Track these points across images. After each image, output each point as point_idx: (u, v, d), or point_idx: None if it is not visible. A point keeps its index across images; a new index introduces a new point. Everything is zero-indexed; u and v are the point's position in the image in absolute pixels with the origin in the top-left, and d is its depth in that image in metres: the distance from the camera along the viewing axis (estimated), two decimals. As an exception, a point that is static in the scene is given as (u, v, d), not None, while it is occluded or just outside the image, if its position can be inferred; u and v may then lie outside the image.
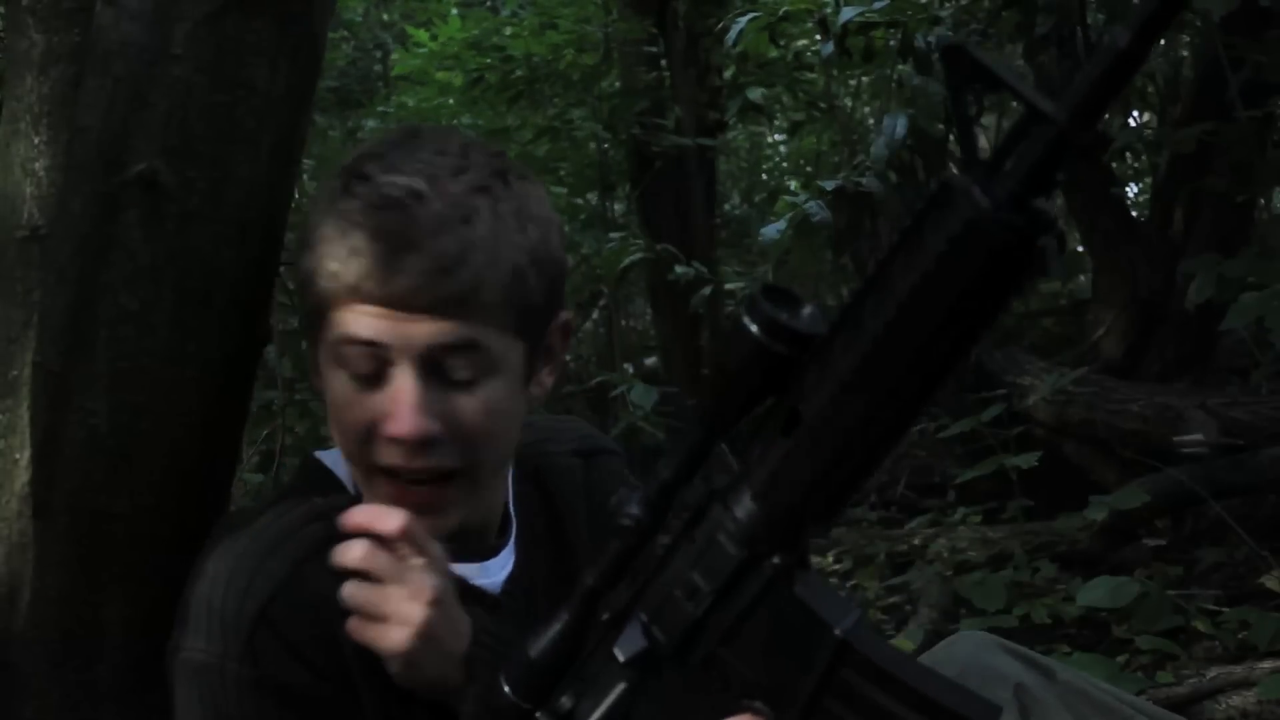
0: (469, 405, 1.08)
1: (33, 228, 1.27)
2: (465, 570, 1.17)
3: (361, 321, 1.06)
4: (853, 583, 3.37)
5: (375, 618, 1.07)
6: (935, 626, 2.92)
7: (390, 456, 1.09)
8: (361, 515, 1.08)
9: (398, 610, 1.06)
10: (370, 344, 1.07)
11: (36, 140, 1.28)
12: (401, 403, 1.06)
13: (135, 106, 1.17)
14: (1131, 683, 2.41)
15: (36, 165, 1.28)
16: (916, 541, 3.45)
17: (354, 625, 1.07)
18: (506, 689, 0.97)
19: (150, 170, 1.16)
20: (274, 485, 3.04)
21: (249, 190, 1.20)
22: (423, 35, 4.98)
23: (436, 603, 1.06)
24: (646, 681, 0.92)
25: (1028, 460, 3.32)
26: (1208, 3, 2.81)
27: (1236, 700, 2.29)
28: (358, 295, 1.06)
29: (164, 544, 1.21)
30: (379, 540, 1.07)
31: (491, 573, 1.20)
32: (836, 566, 3.48)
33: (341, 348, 1.08)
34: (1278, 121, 3.45)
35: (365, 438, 1.09)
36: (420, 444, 1.07)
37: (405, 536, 1.06)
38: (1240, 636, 2.63)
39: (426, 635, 1.06)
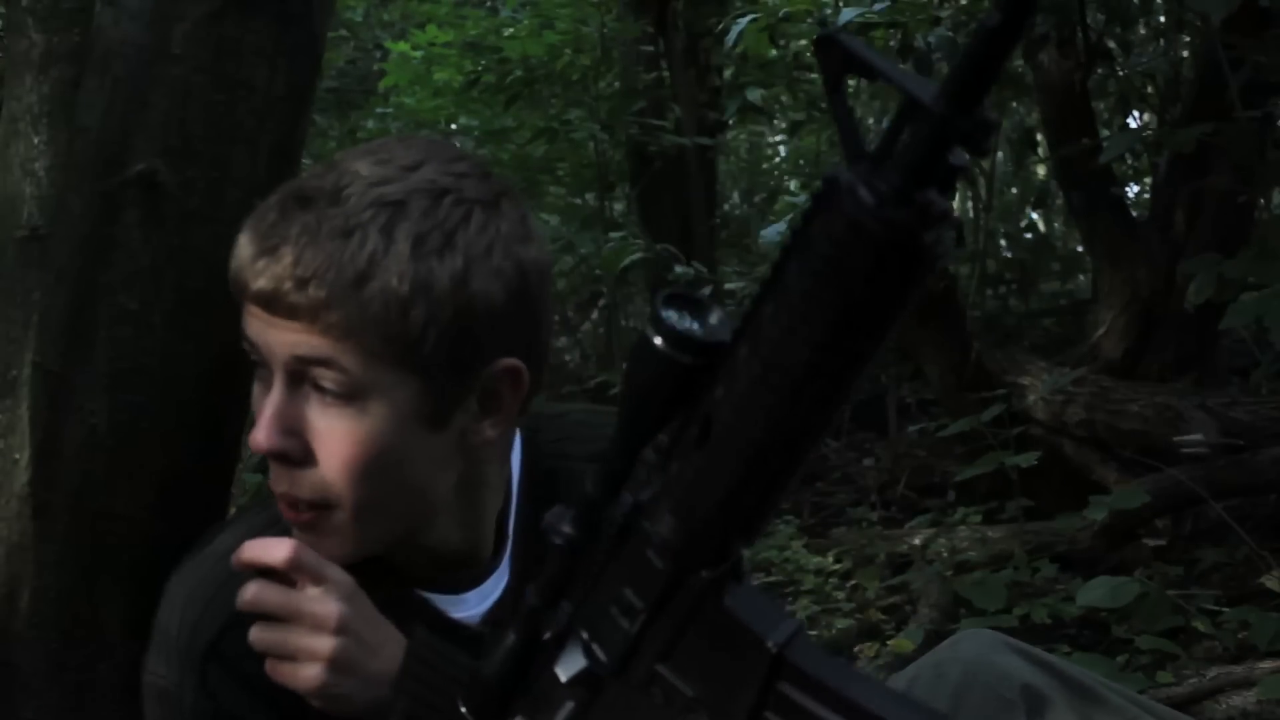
0: (334, 427, 1.02)
1: (33, 228, 1.27)
2: (442, 602, 1.15)
3: (246, 318, 1.04)
4: (853, 583, 3.37)
5: (284, 657, 1.05)
6: (935, 626, 2.92)
7: (270, 474, 1.07)
8: (249, 551, 1.05)
9: (302, 645, 1.04)
10: (250, 342, 1.04)
11: (36, 140, 1.28)
12: (262, 415, 1.03)
13: (135, 106, 1.17)
14: (1131, 683, 2.41)
15: (36, 165, 1.28)
16: (916, 541, 3.45)
17: (269, 667, 1.05)
18: (463, 709, 0.95)
19: (150, 170, 1.16)
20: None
21: (249, 190, 1.20)
22: (403, 46, 4.98)
23: (341, 630, 1.03)
24: (592, 700, 0.90)
25: (1028, 460, 3.32)
26: (1207, 6, 2.81)
27: (1236, 700, 2.29)
28: (240, 290, 1.04)
29: (164, 544, 1.21)
30: (276, 575, 1.04)
31: (471, 604, 1.16)
32: (836, 566, 3.47)
33: (242, 344, 1.06)
34: (1278, 121, 3.45)
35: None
36: (278, 461, 1.04)
37: (294, 567, 1.03)
38: (1240, 636, 2.63)
39: (338, 665, 1.03)
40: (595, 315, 5.90)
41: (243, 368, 1.26)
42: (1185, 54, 4.22)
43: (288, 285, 0.99)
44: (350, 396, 1.01)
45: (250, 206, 1.20)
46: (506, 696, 0.94)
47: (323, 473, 1.03)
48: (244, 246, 1.03)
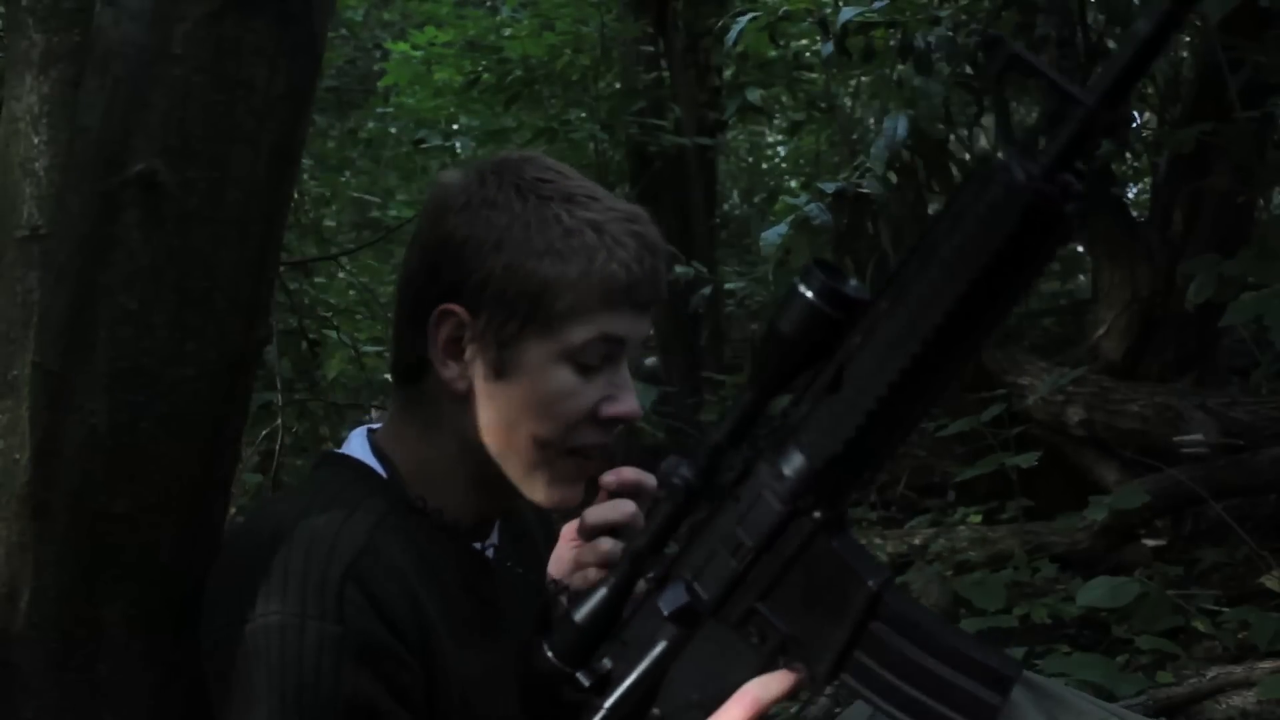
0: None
1: (32, 227, 1.26)
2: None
3: (621, 321, 1.15)
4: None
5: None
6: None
7: (594, 436, 1.17)
8: (630, 473, 1.21)
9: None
10: (622, 341, 1.16)
11: (36, 140, 1.28)
12: (627, 388, 1.17)
13: (135, 106, 1.16)
14: (1131, 683, 2.41)
15: (36, 165, 1.28)
16: (916, 541, 3.45)
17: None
18: (549, 654, 1.00)
19: (150, 170, 1.16)
20: (273, 485, 3.04)
21: (248, 190, 1.20)
22: (403, 46, 4.99)
23: None
24: (686, 638, 0.95)
25: (1028, 460, 3.32)
26: (1207, 4, 2.81)
27: (1236, 700, 2.29)
28: (628, 295, 1.15)
29: (164, 544, 1.21)
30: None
31: (489, 544, 1.28)
32: (836, 566, 3.47)
33: (592, 345, 1.15)
34: (1278, 121, 3.45)
35: (577, 423, 1.16)
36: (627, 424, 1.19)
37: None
38: (1240, 636, 2.63)
39: None
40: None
41: (243, 368, 1.27)
42: (1185, 54, 4.22)
43: (664, 279, 1.19)
44: None
45: (250, 206, 1.21)
46: (595, 640, 0.99)
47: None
48: (640, 259, 1.16)
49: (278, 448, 3.05)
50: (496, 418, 1.17)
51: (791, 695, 0.93)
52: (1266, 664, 2.36)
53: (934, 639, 0.88)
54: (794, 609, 0.91)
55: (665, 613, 0.95)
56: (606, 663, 0.98)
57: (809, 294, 0.87)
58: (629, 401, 1.16)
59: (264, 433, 3.27)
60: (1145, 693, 2.36)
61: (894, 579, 0.90)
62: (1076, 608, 2.85)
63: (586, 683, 0.99)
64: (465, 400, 1.17)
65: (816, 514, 0.90)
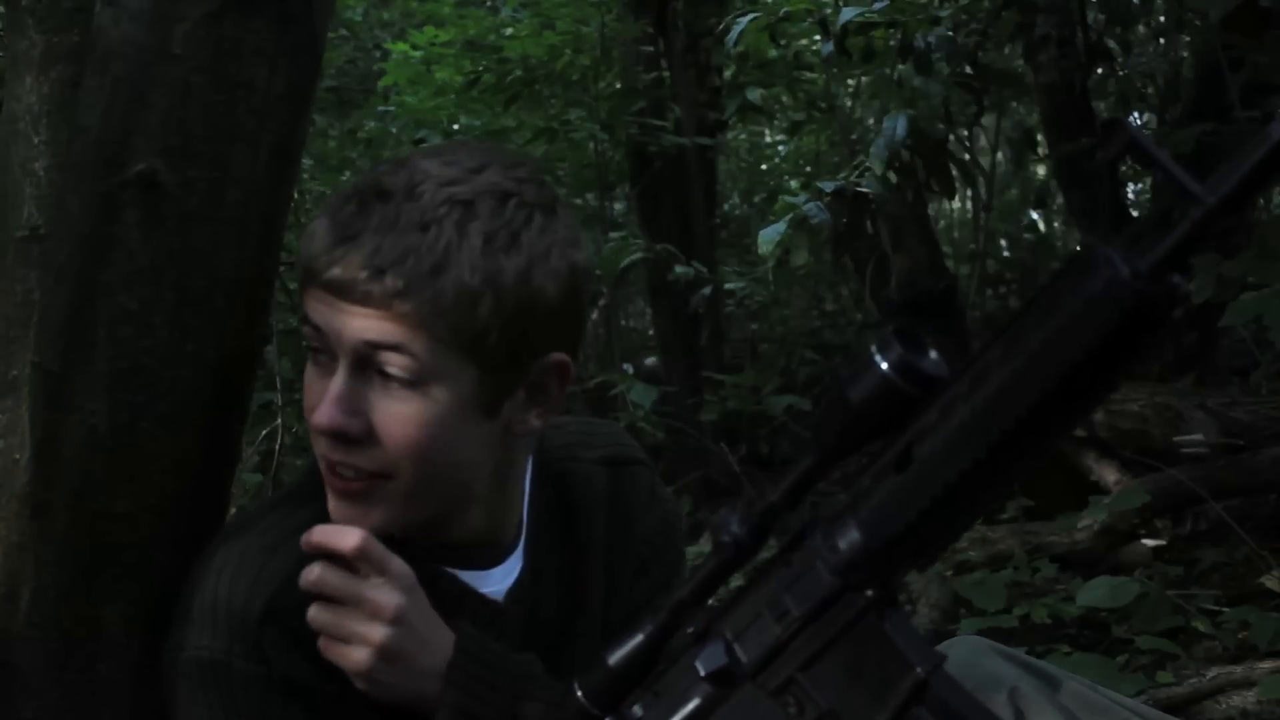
0: (398, 410, 1.07)
1: (32, 228, 1.26)
2: (469, 578, 1.19)
3: (311, 304, 1.09)
4: (853, 583, 3.36)
5: (338, 638, 1.09)
6: (935, 626, 2.92)
7: (320, 446, 1.11)
8: (319, 535, 1.09)
9: (356, 630, 1.08)
10: (315, 327, 1.08)
11: (36, 140, 1.28)
12: (327, 395, 1.07)
13: (135, 106, 1.17)
14: (1131, 683, 2.41)
15: (36, 165, 1.28)
16: (916, 541, 3.44)
17: (322, 645, 1.09)
18: (580, 694, 0.97)
19: (150, 170, 1.16)
20: (273, 485, 3.04)
21: (249, 190, 1.20)
22: (403, 46, 4.99)
23: (396, 621, 1.08)
24: (721, 699, 0.93)
25: (1028, 460, 3.31)
26: (1207, 4, 2.81)
27: (1236, 700, 2.29)
28: (311, 278, 1.08)
29: (164, 544, 1.21)
30: (341, 560, 1.08)
31: (494, 581, 1.21)
32: (836, 566, 3.47)
33: (303, 327, 1.11)
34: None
35: (313, 427, 1.11)
36: (337, 438, 1.08)
37: (361, 555, 1.08)
38: (1240, 636, 2.63)
39: (387, 654, 1.08)
40: (595, 315, 5.90)
41: (243, 368, 1.27)
42: (1185, 54, 4.22)
43: (365, 273, 1.04)
44: (415, 382, 1.07)
45: (250, 206, 1.21)
46: (628, 686, 0.96)
47: (384, 451, 1.08)
48: (320, 235, 1.07)
49: (278, 448, 3.05)
50: None
51: None
52: (1266, 664, 2.35)
53: None
54: (836, 685, 0.88)
55: (702, 672, 0.92)
56: (638, 710, 0.96)
57: (884, 366, 0.82)
58: (321, 411, 1.07)
59: (264, 433, 3.27)
60: (1145, 693, 2.36)
61: (943, 665, 0.87)
62: (1076, 608, 2.84)
63: None
64: None
65: (869, 592, 0.86)
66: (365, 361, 1.07)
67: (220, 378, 1.22)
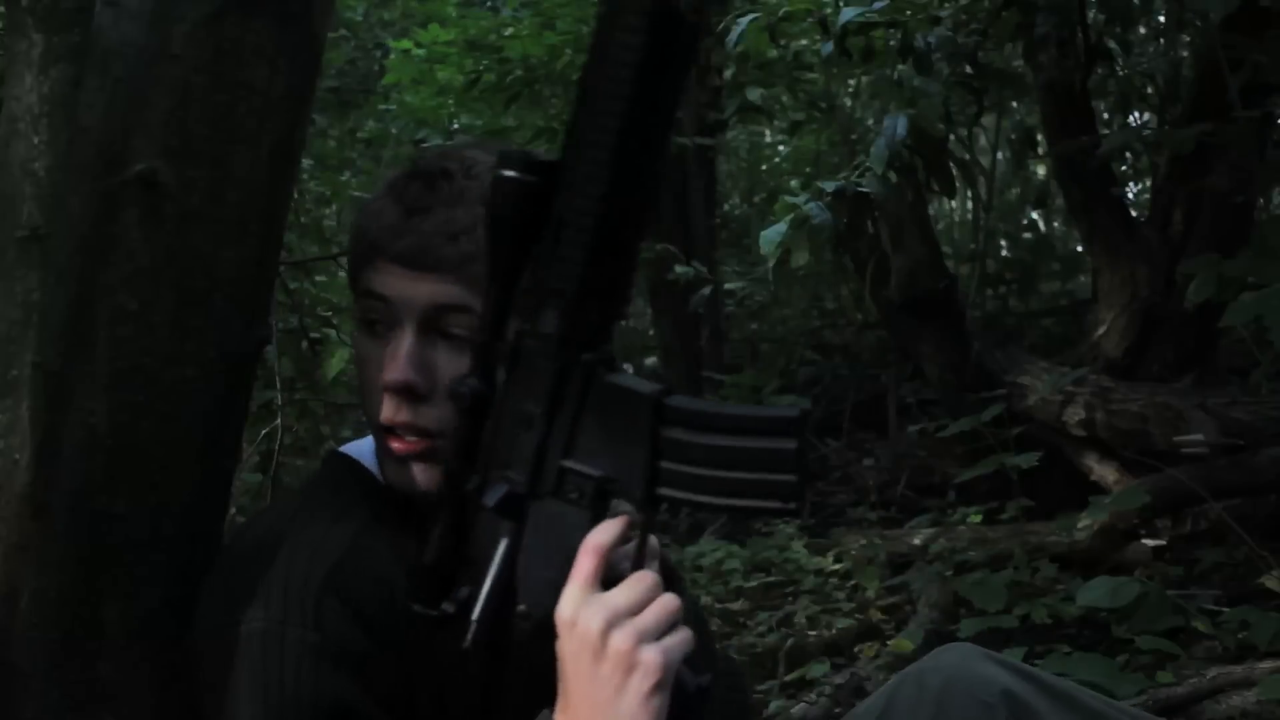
0: (463, 366, 1.12)
1: (32, 228, 1.26)
2: None
3: (377, 278, 1.15)
4: (853, 583, 3.37)
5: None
6: (935, 626, 2.92)
7: (386, 410, 1.15)
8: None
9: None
10: (382, 298, 1.15)
11: (36, 140, 1.28)
12: (397, 354, 1.14)
13: (135, 106, 1.17)
14: (1131, 683, 2.41)
15: (36, 165, 1.28)
16: (916, 541, 3.45)
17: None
18: (415, 607, 1.02)
19: (150, 170, 1.16)
20: (273, 485, 3.04)
21: (249, 190, 1.20)
22: (406, 44, 4.99)
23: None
24: (519, 527, 0.98)
25: (1028, 460, 3.32)
26: (1207, 4, 2.81)
27: (1236, 700, 2.29)
28: (377, 251, 1.15)
29: (164, 544, 1.21)
30: None
31: None
32: (836, 567, 3.47)
33: (362, 302, 1.17)
34: (1278, 121, 3.45)
35: (370, 392, 1.17)
36: (407, 394, 1.14)
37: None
38: (1240, 636, 2.63)
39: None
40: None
41: (243, 368, 1.27)
42: (1185, 54, 4.22)
43: (440, 240, 1.13)
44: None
45: (250, 206, 1.21)
46: (449, 574, 1.01)
47: (448, 408, 1.11)
48: (388, 210, 1.16)
49: (277, 447, 3.04)
50: None
51: (629, 531, 0.96)
52: (1266, 664, 2.35)
53: (719, 418, 0.92)
54: (597, 451, 0.95)
55: (490, 505, 0.97)
56: (464, 590, 1.00)
57: (510, 173, 0.94)
58: (393, 369, 1.14)
59: (264, 432, 3.27)
60: (1145, 693, 2.36)
61: (672, 389, 0.95)
62: (1076, 608, 2.84)
63: (453, 610, 1.00)
64: None
65: (585, 357, 0.94)
66: (431, 324, 1.14)
67: (220, 377, 1.22)
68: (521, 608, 0.98)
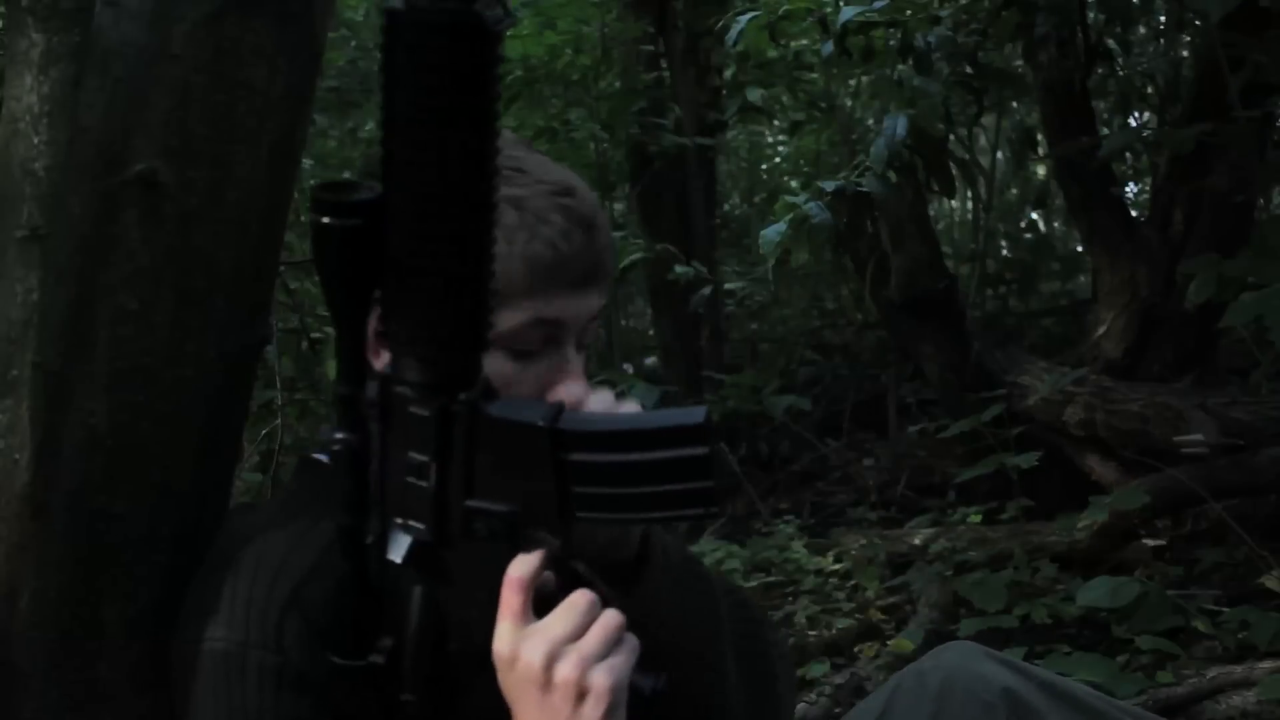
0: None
1: (32, 228, 1.26)
2: None
3: (551, 303, 1.10)
4: (853, 583, 3.37)
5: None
6: (935, 626, 2.92)
7: None
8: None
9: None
10: (555, 323, 1.10)
11: (36, 140, 1.28)
12: (573, 374, 1.11)
13: (135, 106, 1.17)
14: (1131, 683, 2.41)
15: (36, 165, 1.28)
16: (916, 541, 3.45)
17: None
18: (337, 660, 1.00)
19: (150, 170, 1.16)
20: (273, 485, 3.04)
21: (249, 190, 1.20)
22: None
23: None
24: (434, 574, 0.96)
25: (1028, 460, 3.32)
26: (1207, 4, 2.81)
27: (1236, 700, 2.29)
28: (561, 274, 1.10)
29: (164, 544, 1.21)
30: None
31: None
32: (836, 567, 3.47)
33: (524, 330, 1.10)
34: (1278, 121, 3.45)
35: None
36: None
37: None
38: (1240, 636, 2.63)
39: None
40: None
41: (243, 368, 1.27)
42: (1185, 54, 4.22)
43: (604, 255, 1.13)
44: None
45: (250, 206, 1.20)
46: (370, 626, 0.98)
47: None
48: (568, 235, 1.10)
49: (277, 447, 3.05)
50: None
51: (550, 559, 0.95)
52: (1266, 664, 2.35)
53: (621, 436, 0.90)
54: (500, 487, 0.92)
55: (399, 561, 0.95)
56: (387, 640, 0.98)
57: (326, 220, 0.87)
58: (574, 389, 1.09)
59: (264, 432, 3.27)
60: (1145, 693, 2.36)
61: (562, 408, 0.92)
62: (1076, 608, 2.84)
63: (382, 661, 0.98)
64: None
65: (462, 397, 0.91)
66: (580, 337, 1.13)
67: (220, 378, 1.22)
68: (453, 647, 0.97)
